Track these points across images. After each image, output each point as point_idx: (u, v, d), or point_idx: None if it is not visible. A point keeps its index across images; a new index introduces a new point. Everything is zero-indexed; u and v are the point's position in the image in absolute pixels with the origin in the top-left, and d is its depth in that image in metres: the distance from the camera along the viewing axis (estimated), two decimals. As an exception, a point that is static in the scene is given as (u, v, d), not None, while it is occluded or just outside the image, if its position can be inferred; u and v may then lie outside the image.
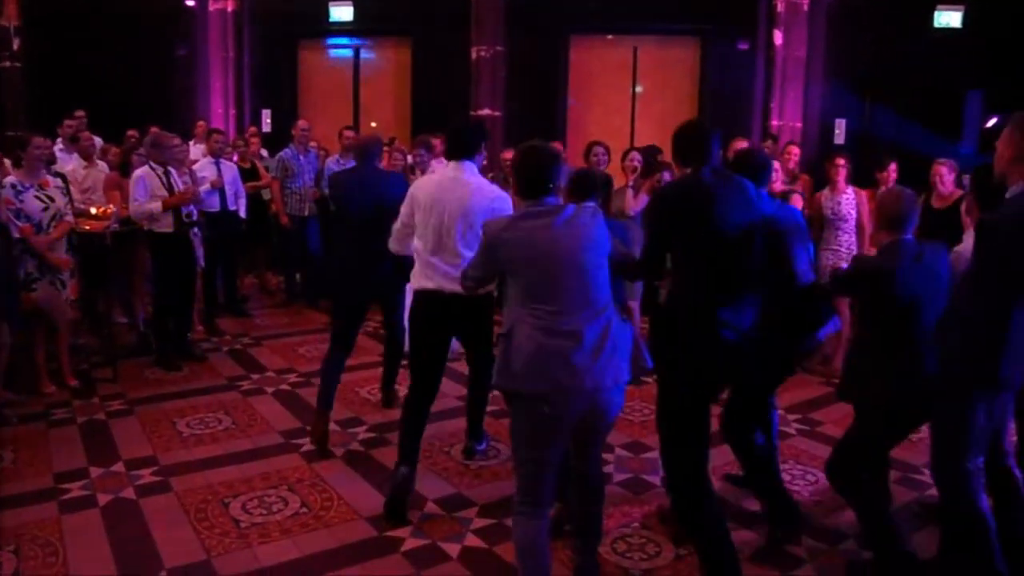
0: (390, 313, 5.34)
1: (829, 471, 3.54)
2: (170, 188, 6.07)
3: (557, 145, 6.39)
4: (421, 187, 4.11)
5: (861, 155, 7.07)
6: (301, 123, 8.33)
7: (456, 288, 3.66)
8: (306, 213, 8.10)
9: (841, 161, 6.27)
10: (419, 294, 4.10)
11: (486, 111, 9.74)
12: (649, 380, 4.64)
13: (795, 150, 6.96)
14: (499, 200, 3.96)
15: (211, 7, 11.00)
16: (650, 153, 6.85)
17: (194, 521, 3.92)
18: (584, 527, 3.31)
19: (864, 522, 3.49)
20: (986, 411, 3.09)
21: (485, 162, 4.47)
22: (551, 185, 3.09)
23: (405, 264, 4.33)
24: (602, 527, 3.44)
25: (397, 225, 4.22)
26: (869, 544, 3.57)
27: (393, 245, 4.34)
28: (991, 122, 8.11)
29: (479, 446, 4.83)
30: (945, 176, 5.77)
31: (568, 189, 3.69)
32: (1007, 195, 3.07)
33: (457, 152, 4.05)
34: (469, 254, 3.63)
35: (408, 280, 4.31)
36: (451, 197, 3.93)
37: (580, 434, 3.10)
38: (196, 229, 6.43)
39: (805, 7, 9.76)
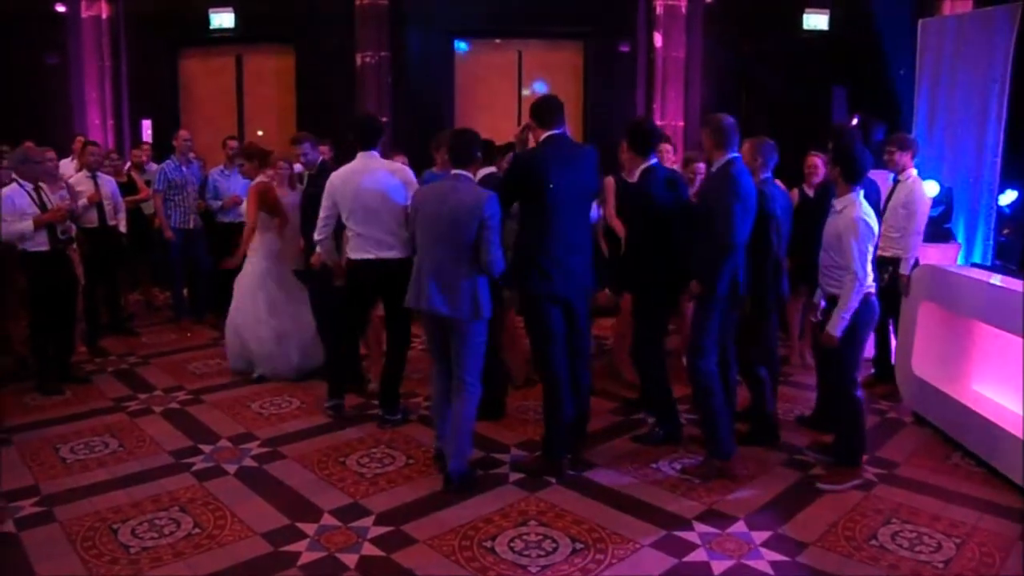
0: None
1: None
2: (42, 205, 5.84)
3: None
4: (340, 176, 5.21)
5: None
6: (183, 133, 8.09)
7: (384, 254, 5.10)
8: (191, 226, 7.91)
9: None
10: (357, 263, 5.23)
11: (373, 116, 9.70)
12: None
13: (667, 147, 7.17)
14: (401, 171, 5.28)
15: (84, 14, 10.55)
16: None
17: (80, 550, 3.79)
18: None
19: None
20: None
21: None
22: (474, 156, 4.41)
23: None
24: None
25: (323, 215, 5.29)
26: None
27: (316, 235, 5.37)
28: (855, 120, 8.59)
29: (391, 416, 5.38)
30: (819, 167, 6.16)
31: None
32: (712, 169, 4.53)
33: (366, 144, 5.25)
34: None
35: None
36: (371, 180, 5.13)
37: (448, 336, 4.41)
38: (75, 245, 6.20)
39: (683, 10, 10.12)
